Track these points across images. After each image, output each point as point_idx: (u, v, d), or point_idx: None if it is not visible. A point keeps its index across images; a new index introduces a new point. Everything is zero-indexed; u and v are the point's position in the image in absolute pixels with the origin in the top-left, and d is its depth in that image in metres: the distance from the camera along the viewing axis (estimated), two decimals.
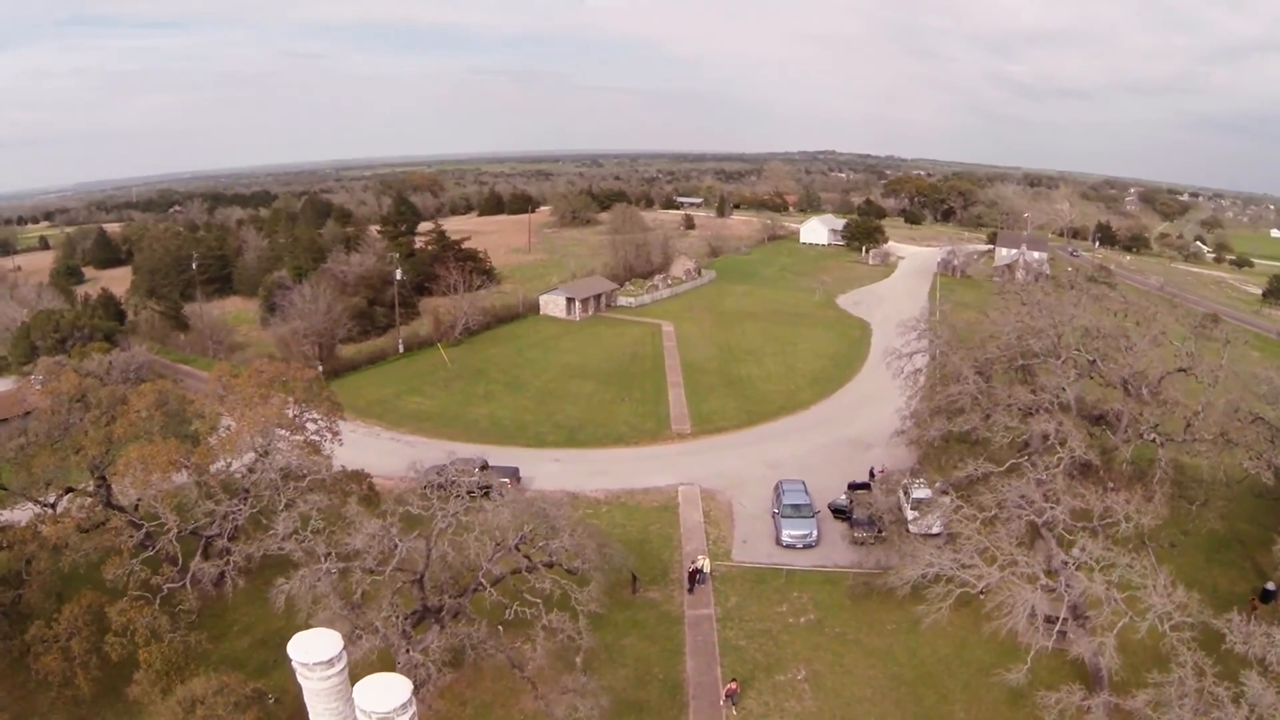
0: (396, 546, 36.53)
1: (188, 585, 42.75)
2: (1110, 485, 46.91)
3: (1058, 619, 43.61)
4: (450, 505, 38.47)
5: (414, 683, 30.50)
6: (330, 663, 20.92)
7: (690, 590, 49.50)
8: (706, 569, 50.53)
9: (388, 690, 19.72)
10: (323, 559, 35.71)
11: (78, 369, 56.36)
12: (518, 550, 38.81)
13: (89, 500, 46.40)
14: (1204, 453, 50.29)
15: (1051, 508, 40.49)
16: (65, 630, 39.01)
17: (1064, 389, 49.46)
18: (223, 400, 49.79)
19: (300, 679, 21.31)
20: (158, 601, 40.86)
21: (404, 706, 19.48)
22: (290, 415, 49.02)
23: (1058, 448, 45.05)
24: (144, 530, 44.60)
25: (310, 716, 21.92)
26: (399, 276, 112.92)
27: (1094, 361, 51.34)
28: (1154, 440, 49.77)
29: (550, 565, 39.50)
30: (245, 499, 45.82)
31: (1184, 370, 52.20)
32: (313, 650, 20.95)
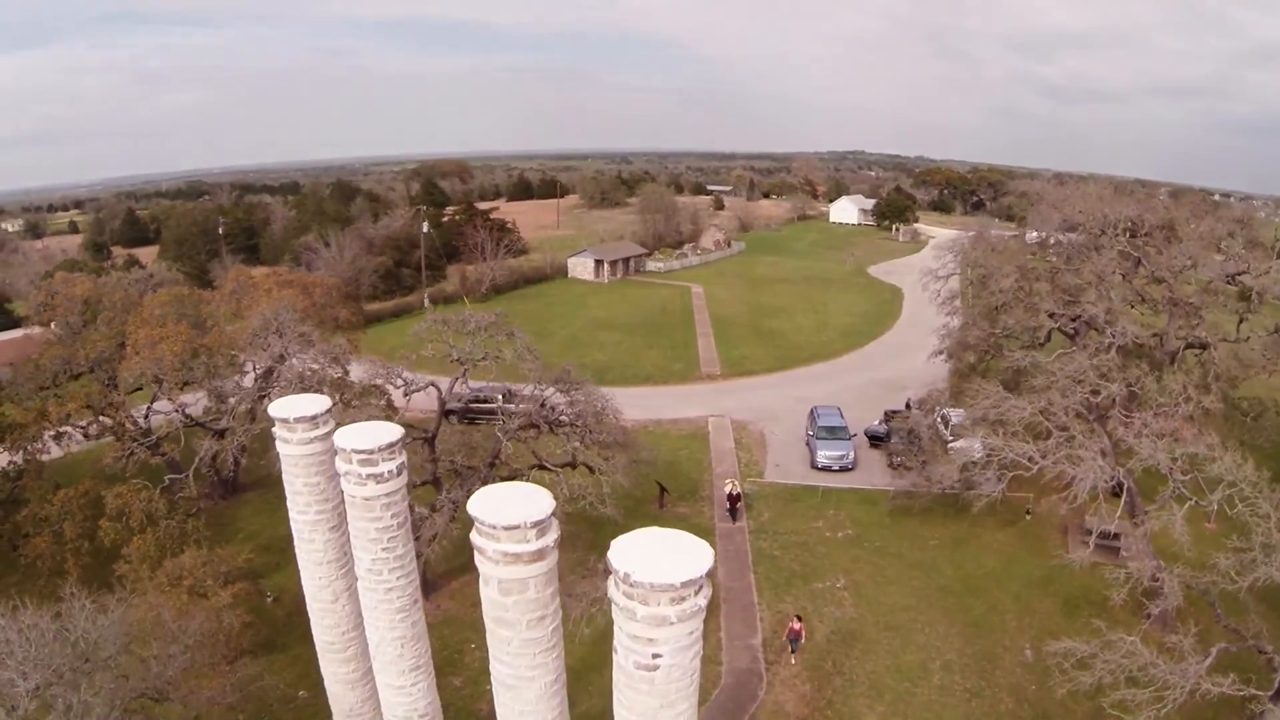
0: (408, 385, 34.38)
1: (189, 477, 40.61)
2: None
3: (1110, 533, 41.22)
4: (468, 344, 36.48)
5: (417, 538, 28.36)
6: (314, 421, 18.50)
7: (733, 519, 46.41)
8: (737, 490, 47.59)
9: (375, 431, 17.32)
10: None
11: (94, 280, 54.67)
12: (540, 412, 36.48)
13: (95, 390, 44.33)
14: (1259, 350, 46.96)
15: (1107, 385, 37.60)
16: (58, 512, 36.96)
17: (1107, 285, 45.77)
18: (239, 299, 47.85)
19: (279, 445, 18.94)
20: (158, 491, 38.84)
21: (391, 449, 17.06)
22: (307, 305, 46.92)
23: (1107, 330, 42.03)
24: (148, 411, 42.78)
25: (287, 496, 19.52)
26: (425, 230, 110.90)
27: (1140, 261, 47.73)
28: (1204, 341, 46.32)
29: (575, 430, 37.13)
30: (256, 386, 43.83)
31: (1231, 278, 48.38)
32: (295, 407, 18.56)
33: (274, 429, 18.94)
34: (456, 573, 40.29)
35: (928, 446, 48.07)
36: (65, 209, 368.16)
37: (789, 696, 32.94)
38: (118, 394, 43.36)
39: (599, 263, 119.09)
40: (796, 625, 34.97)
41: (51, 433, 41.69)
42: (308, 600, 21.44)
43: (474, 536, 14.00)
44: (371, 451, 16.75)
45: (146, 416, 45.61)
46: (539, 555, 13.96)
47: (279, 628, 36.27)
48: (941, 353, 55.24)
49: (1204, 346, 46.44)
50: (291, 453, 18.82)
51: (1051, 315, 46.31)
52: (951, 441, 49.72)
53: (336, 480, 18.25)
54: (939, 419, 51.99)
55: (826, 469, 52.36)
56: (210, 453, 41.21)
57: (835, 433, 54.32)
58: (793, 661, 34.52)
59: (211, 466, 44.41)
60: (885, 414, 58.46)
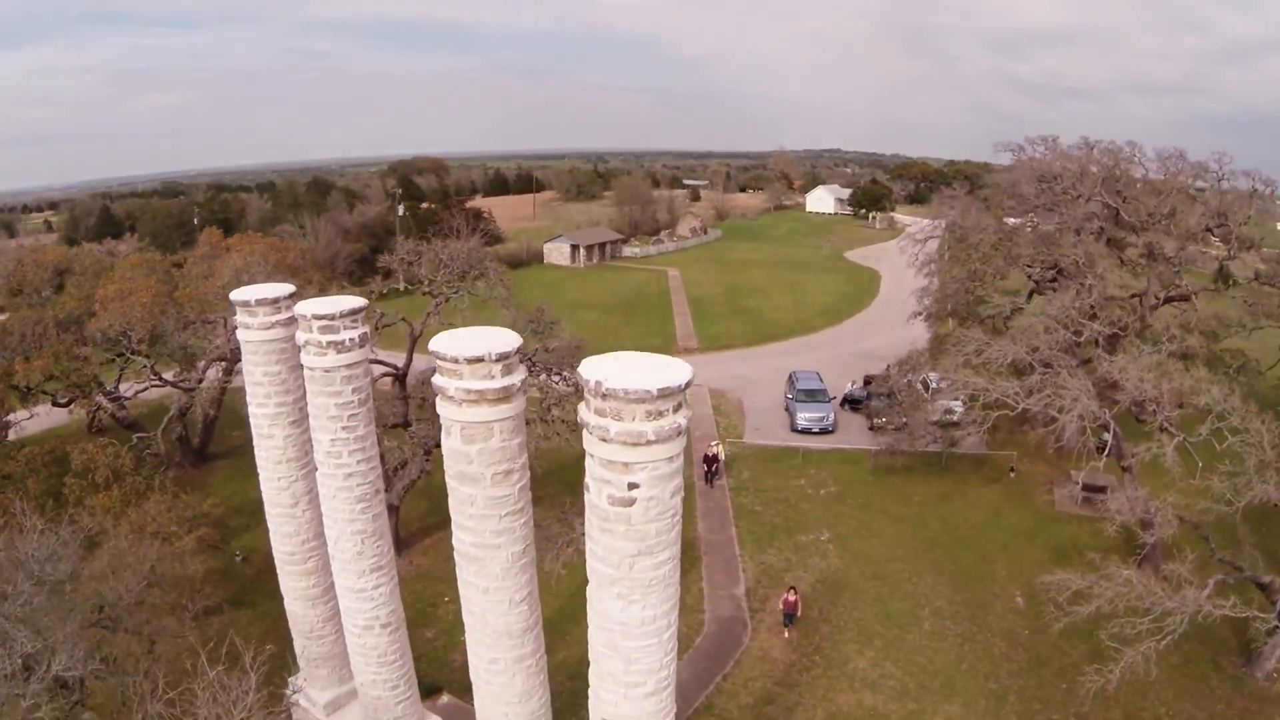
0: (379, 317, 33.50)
1: (158, 435, 39.54)
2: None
3: (1097, 487, 40.71)
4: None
5: (389, 489, 27.52)
6: (276, 304, 17.57)
7: (709, 482, 45.20)
8: (722, 455, 46.51)
9: (337, 299, 16.49)
10: None
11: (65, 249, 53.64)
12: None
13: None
14: (1240, 299, 46.53)
15: (1090, 325, 37.08)
16: (22, 469, 35.82)
17: (1085, 234, 44.85)
18: (211, 262, 46.81)
19: (239, 333, 18.04)
20: (125, 449, 37.74)
21: (354, 315, 16.22)
22: (278, 261, 45.92)
23: (1087, 274, 41.39)
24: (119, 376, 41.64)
25: (246, 389, 18.56)
26: (401, 213, 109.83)
27: (1118, 214, 46.93)
28: (1185, 294, 45.71)
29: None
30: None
31: (1211, 230, 47.40)
32: (257, 291, 17.65)
33: (235, 316, 18.05)
34: (431, 530, 39.91)
35: (907, 404, 47.40)
36: (40, 210, 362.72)
37: (775, 643, 32.24)
38: (86, 348, 42.00)
39: (575, 248, 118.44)
40: (792, 598, 32.52)
41: (17, 394, 40.64)
42: (267, 507, 20.53)
43: (435, 379, 13.16)
44: (333, 317, 15.93)
45: (117, 383, 44.70)
46: (504, 395, 13.10)
47: (247, 585, 35.47)
48: (920, 313, 54.60)
49: (1185, 299, 45.96)
50: (251, 338, 17.91)
51: (1030, 265, 45.70)
52: (932, 405, 49.13)
53: (299, 371, 17.42)
54: (919, 383, 51.35)
55: (807, 431, 51.82)
56: (182, 406, 40.17)
57: (814, 396, 53.83)
58: (784, 636, 32.40)
59: (181, 426, 43.31)
60: (865, 379, 57.91)
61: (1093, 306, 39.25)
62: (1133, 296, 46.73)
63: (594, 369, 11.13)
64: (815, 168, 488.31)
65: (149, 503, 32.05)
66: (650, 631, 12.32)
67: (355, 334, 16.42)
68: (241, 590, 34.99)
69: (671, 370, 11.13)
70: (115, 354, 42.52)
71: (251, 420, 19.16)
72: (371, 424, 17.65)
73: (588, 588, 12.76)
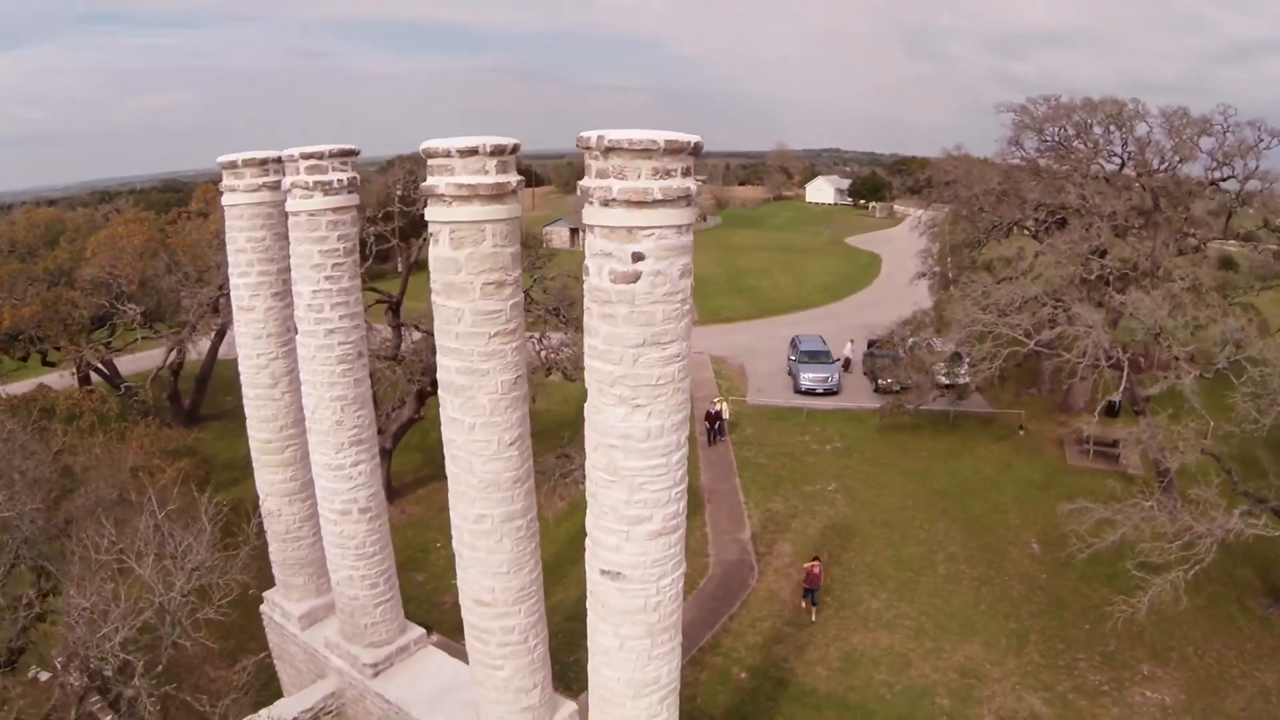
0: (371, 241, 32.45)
1: (147, 385, 38.45)
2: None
3: (1109, 441, 39.71)
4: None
5: (381, 432, 26.45)
6: (265, 166, 16.42)
7: (710, 441, 43.53)
8: (726, 413, 44.99)
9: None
10: None
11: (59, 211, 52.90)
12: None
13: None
14: (1250, 249, 45.41)
15: (1101, 261, 35.97)
16: (5, 413, 34.65)
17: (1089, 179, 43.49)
18: (207, 215, 45.76)
19: (224, 198, 16.87)
20: (113, 396, 36.69)
21: (344, 158, 15.23)
22: None
23: (1094, 217, 40.18)
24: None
25: (228, 256, 17.43)
26: (399, 192, 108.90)
27: (1123, 166, 45.65)
28: (1196, 244, 44.42)
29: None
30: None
31: (1217, 183, 46.00)
32: (247, 152, 16.52)
33: (220, 184, 16.90)
34: (425, 480, 39.34)
35: (911, 364, 46.26)
36: (39, 205, 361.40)
37: (784, 585, 31.19)
38: (75, 292, 40.80)
39: (574, 231, 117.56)
40: (816, 569, 29.24)
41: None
42: (244, 390, 19.25)
43: (425, 182, 12.02)
44: (321, 156, 14.85)
45: (109, 340, 43.76)
46: (498, 192, 11.89)
47: None
48: (923, 274, 53.56)
49: (1196, 249, 44.88)
50: (236, 202, 16.76)
51: (1036, 207, 44.60)
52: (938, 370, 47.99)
53: (284, 241, 16.32)
54: (925, 346, 50.11)
55: (810, 392, 50.78)
56: (172, 364, 39.15)
57: (817, 357, 52.90)
58: (812, 620, 29.19)
59: (173, 383, 42.24)
60: (868, 342, 56.79)
61: (1101, 245, 38.20)
62: (1147, 257, 45.64)
63: (596, 130, 9.97)
64: (814, 165, 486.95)
65: (130, 440, 30.95)
66: (658, 449, 11.08)
67: (344, 176, 15.40)
68: None
69: (679, 133, 9.98)
70: (104, 301, 41.30)
71: (232, 294, 18.02)
72: (357, 279, 16.47)
73: (585, 405, 11.52)
